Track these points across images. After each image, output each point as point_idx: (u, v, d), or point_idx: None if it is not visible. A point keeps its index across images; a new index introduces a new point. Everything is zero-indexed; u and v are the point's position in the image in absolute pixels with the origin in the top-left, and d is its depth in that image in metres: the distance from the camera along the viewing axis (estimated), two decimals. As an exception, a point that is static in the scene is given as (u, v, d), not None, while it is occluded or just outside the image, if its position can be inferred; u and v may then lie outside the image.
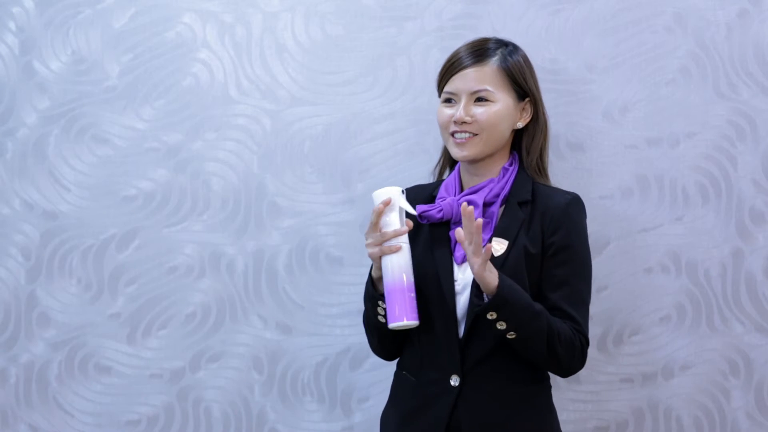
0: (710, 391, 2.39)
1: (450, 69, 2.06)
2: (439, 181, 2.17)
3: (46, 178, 2.49)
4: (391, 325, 1.94)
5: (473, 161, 2.06)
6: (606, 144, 2.41)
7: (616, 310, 2.41)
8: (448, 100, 2.07)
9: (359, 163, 2.45)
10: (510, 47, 2.08)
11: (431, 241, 2.04)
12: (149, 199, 2.48)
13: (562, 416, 2.37)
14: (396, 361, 2.15)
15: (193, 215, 2.47)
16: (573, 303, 1.98)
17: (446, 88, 2.07)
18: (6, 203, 2.49)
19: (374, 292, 2.01)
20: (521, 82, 2.06)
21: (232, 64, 2.48)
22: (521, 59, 2.08)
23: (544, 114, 2.11)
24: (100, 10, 2.49)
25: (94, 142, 2.49)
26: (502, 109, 2.03)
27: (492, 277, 1.88)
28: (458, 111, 2.03)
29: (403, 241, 1.95)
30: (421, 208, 2.06)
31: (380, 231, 1.95)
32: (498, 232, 2.01)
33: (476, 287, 1.94)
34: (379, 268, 1.96)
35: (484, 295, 1.91)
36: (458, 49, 2.08)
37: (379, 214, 1.95)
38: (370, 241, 1.96)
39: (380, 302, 1.98)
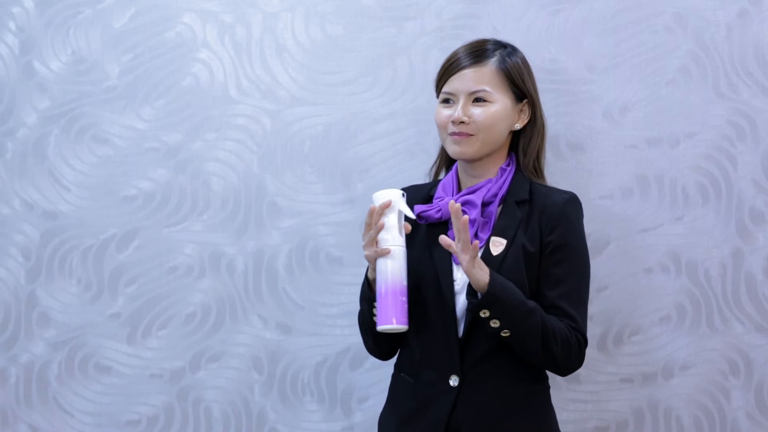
0: (710, 391, 2.39)
1: (448, 69, 2.06)
2: (436, 182, 2.17)
3: (46, 178, 2.49)
4: (379, 328, 1.94)
5: (470, 161, 2.06)
6: (606, 144, 2.41)
7: (616, 310, 2.41)
8: (446, 101, 2.07)
9: (359, 163, 2.45)
10: (509, 49, 2.09)
11: (429, 242, 2.04)
12: (149, 199, 2.48)
13: (562, 416, 2.37)
14: (393, 363, 2.15)
15: (193, 215, 2.47)
16: (571, 301, 1.98)
17: (444, 89, 2.07)
18: (6, 203, 2.49)
19: (369, 293, 2.01)
20: (519, 84, 2.06)
21: (232, 64, 2.48)
22: (520, 61, 2.08)
23: (541, 116, 2.11)
24: (100, 10, 2.49)
25: (94, 142, 2.49)
26: (500, 110, 2.03)
27: (482, 275, 1.89)
28: (456, 111, 2.03)
29: (399, 244, 1.95)
30: (420, 208, 2.06)
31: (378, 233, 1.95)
32: (496, 232, 2.01)
33: (470, 285, 1.94)
34: (375, 270, 1.97)
35: (479, 294, 1.91)
36: (457, 50, 2.08)
37: (371, 214, 1.95)
38: (365, 242, 1.96)
39: (375, 303, 1.98)
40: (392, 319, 1.91)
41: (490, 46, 2.07)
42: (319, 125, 2.46)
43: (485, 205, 2.03)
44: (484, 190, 2.04)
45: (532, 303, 1.94)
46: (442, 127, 2.07)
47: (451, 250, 1.90)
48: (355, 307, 2.14)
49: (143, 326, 2.47)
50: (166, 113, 2.48)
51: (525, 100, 2.08)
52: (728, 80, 2.40)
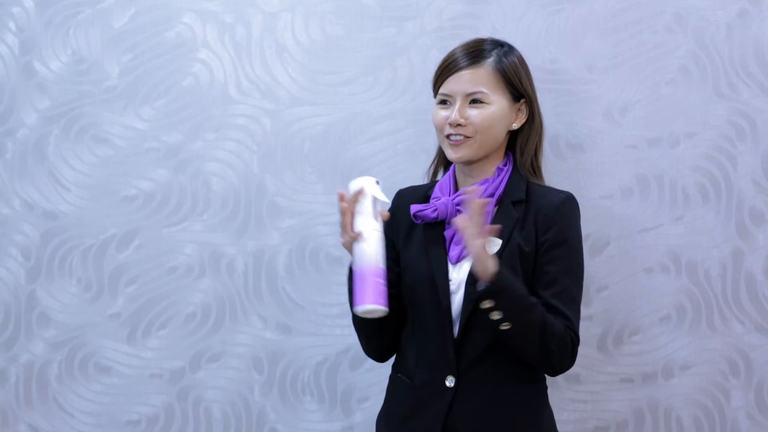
0: (710, 391, 2.40)
1: (445, 70, 2.06)
2: (433, 182, 2.17)
3: (46, 178, 2.49)
4: (356, 309, 1.92)
5: (468, 162, 2.06)
6: (606, 144, 2.41)
7: (616, 310, 2.41)
8: (443, 102, 2.06)
9: (359, 163, 2.45)
10: (505, 48, 2.08)
11: (425, 241, 2.04)
12: (149, 199, 2.48)
13: (562, 416, 2.37)
14: (391, 364, 2.15)
15: (193, 215, 2.47)
16: (564, 300, 1.97)
17: (441, 90, 2.06)
18: (6, 203, 2.49)
19: (350, 284, 2.00)
20: (516, 84, 2.05)
21: (232, 64, 2.48)
22: (516, 60, 2.07)
23: (539, 115, 2.10)
24: (100, 10, 2.49)
25: (94, 142, 2.49)
26: (497, 111, 2.03)
27: (491, 262, 1.87)
28: (453, 113, 2.02)
29: (374, 229, 1.94)
30: (416, 207, 2.05)
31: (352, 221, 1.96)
32: None
33: (471, 276, 1.93)
34: None
35: (481, 285, 1.89)
36: (453, 50, 2.07)
37: (341, 199, 1.95)
38: (341, 231, 1.97)
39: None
40: (368, 300, 1.89)
41: (486, 46, 2.06)
42: (319, 125, 2.46)
43: None
44: (480, 190, 2.03)
45: (533, 298, 1.93)
46: (439, 129, 2.07)
47: (464, 233, 1.87)
48: (355, 307, 2.14)
49: (143, 326, 2.47)
50: (166, 113, 2.48)
51: (522, 100, 2.07)
52: (728, 80, 2.40)
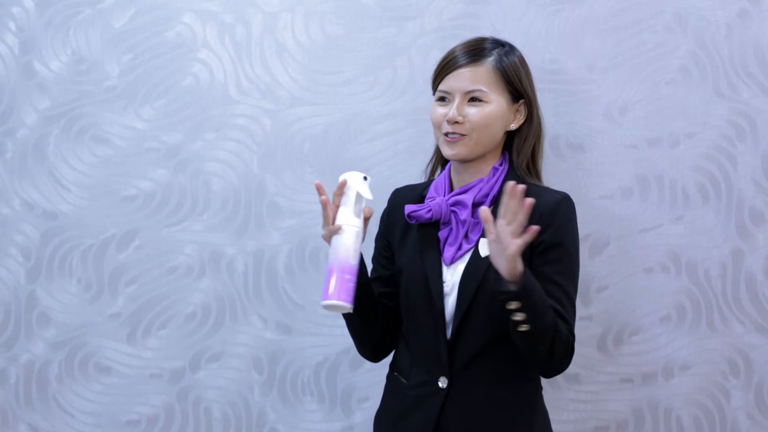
0: (710, 391, 2.40)
1: (445, 68, 2.05)
2: (430, 181, 2.16)
3: (46, 178, 2.49)
4: (321, 303, 1.92)
5: (464, 161, 2.05)
6: (606, 144, 2.41)
7: (616, 310, 2.41)
8: (442, 99, 2.05)
9: (359, 163, 2.45)
10: (506, 48, 2.07)
11: (420, 242, 2.03)
12: (149, 199, 2.48)
13: (562, 416, 2.37)
14: (389, 363, 2.15)
15: (193, 215, 2.47)
16: (561, 301, 1.95)
17: (440, 87, 2.05)
18: (6, 203, 2.49)
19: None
20: (516, 84, 2.04)
21: (232, 64, 2.48)
22: (517, 60, 2.06)
23: (538, 116, 2.09)
24: (100, 10, 2.49)
25: (94, 142, 2.49)
26: (495, 111, 2.02)
27: (521, 263, 1.82)
28: (451, 110, 2.02)
29: (353, 225, 1.95)
30: (410, 208, 2.04)
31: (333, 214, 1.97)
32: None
33: (495, 273, 1.85)
34: None
35: (505, 286, 1.83)
36: (454, 48, 2.07)
37: (319, 190, 1.95)
38: (323, 223, 1.97)
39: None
40: (332, 295, 1.90)
41: (487, 45, 2.06)
42: (319, 125, 2.46)
43: (476, 205, 2.01)
44: (475, 190, 2.02)
45: (549, 300, 1.91)
46: (436, 126, 2.06)
47: (490, 230, 1.82)
48: (355, 306, 2.14)
49: (143, 326, 2.47)
50: (166, 113, 2.48)
51: (521, 100, 2.06)
52: (728, 80, 2.40)
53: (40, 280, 2.48)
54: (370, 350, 2.13)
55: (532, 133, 2.08)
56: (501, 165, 2.06)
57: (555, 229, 1.98)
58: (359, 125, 2.46)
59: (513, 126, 2.06)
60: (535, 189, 2.03)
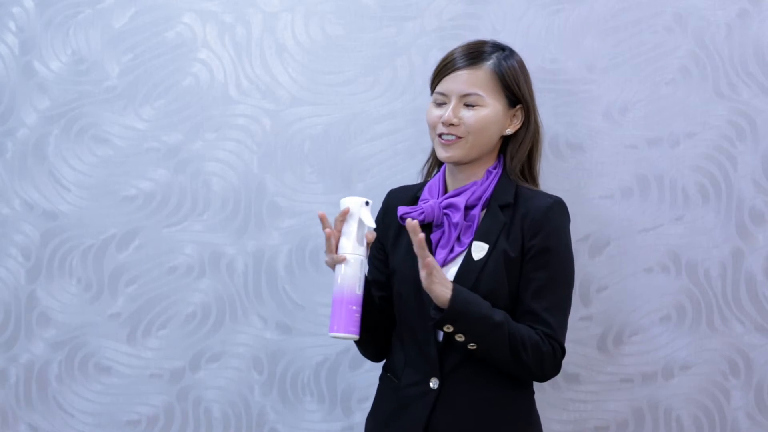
0: (710, 391, 2.40)
1: (443, 69, 2.05)
2: (425, 182, 2.16)
3: (46, 178, 2.49)
4: (329, 333, 1.96)
5: (458, 163, 2.05)
6: (606, 144, 2.41)
7: (616, 310, 2.41)
8: (438, 100, 2.06)
9: (359, 163, 2.45)
10: (506, 52, 2.06)
11: (412, 244, 2.03)
12: (149, 199, 2.48)
13: (562, 416, 2.37)
14: (382, 363, 2.15)
15: (193, 215, 2.47)
16: (548, 308, 1.95)
17: (438, 88, 2.05)
18: (6, 203, 2.49)
19: None
20: (514, 88, 2.03)
21: (232, 64, 2.48)
22: (516, 65, 2.05)
23: (536, 121, 2.08)
24: (100, 10, 2.49)
25: (94, 142, 2.49)
26: (490, 115, 2.01)
27: (442, 290, 1.88)
28: (447, 112, 2.01)
29: (357, 253, 1.96)
30: (403, 209, 2.04)
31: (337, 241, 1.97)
32: (479, 236, 1.99)
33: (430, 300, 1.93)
34: None
35: (434, 312, 1.91)
36: (453, 50, 2.06)
37: (322, 221, 1.96)
38: (325, 249, 1.98)
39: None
40: (338, 328, 1.94)
41: (487, 48, 2.05)
42: (319, 125, 2.46)
43: (469, 208, 2.01)
44: (468, 193, 2.02)
45: (499, 315, 1.91)
46: (432, 127, 2.05)
47: (422, 256, 1.88)
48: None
49: (143, 326, 2.47)
50: (166, 113, 2.48)
51: (519, 105, 2.05)
52: (728, 80, 2.40)
53: (40, 280, 2.48)
54: (373, 352, 2.14)
55: (528, 138, 2.07)
56: (495, 168, 2.05)
57: (545, 234, 1.97)
58: (359, 125, 2.46)
59: (509, 131, 2.06)
60: (528, 192, 2.03)
